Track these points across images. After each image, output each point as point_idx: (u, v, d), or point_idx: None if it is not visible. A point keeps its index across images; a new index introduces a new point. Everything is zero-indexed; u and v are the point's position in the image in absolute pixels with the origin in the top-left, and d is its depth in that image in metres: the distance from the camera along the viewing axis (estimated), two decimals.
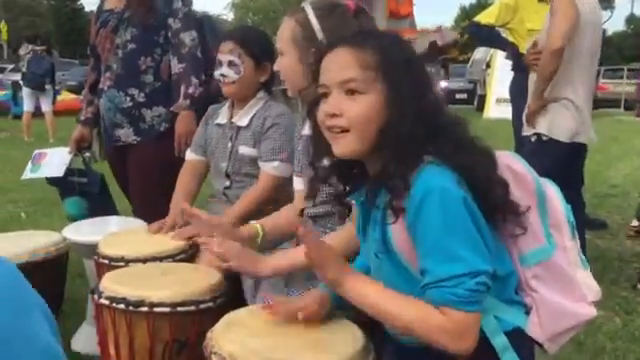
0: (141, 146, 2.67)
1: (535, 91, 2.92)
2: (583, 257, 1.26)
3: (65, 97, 13.48)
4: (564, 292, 1.21)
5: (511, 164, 1.21)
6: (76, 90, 14.44)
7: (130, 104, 2.65)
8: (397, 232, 1.16)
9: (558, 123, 2.92)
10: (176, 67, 2.61)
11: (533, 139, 2.96)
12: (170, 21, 2.62)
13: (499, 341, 1.15)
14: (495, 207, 1.15)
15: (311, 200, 1.74)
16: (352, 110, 1.16)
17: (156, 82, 2.65)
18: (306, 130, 1.80)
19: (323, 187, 1.69)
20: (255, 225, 1.80)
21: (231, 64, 2.18)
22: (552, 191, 1.25)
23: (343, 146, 1.18)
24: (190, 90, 2.58)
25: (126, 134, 2.68)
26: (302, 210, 1.80)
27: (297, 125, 1.90)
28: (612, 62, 21.97)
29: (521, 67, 3.42)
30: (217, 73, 2.21)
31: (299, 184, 1.85)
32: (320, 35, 1.64)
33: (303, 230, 1.22)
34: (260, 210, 2.16)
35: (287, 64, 1.69)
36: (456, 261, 1.07)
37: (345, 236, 1.57)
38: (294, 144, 2.06)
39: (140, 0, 2.60)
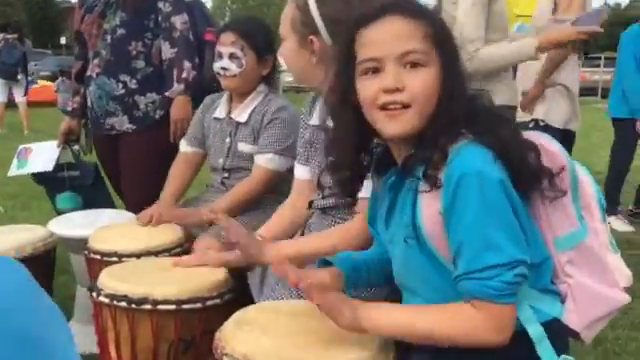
0: (135, 135, 2.57)
1: (541, 76, 2.89)
2: (613, 241, 1.21)
3: (43, 85, 13.22)
4: (598, 277, 1.16)
5: (545, 144, 1.16)
6: (49, 80, 14.16)
7: (122, 91, 2.54)
8: (428, 215, 1.09)
9: (554, 109, 2.91)
10: (168, 52, 2.52)
11: (531, 125, 2.94)
12: (160, 4, 2.52)
13: (535, 330, 1.10)
14: (531, 174, 1.09)
15: (320, 192, 1.67)
16: (415, 84, 1.08)
17: (148, 68, 2.55)
18: (314, 120, 1.72)
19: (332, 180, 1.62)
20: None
21: (233, 57, 2.09)
22: (583, 173, 1.20)
23: (404, 123, 1.10)
24: (184, 74, 2.49)
25: (120, 122, 2.57)
26: (310, 202, 1.72)
27: (303, 114, 1.82)
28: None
29: None
30: (217, 66, 2.12)
31: (305, 173, 1.78)
32: (319, 22, 1.56)
33: (305, 284, 1.15)
34: (259, 201, 2.09)
35: (288, 50, 1.62)
36: (493, 250, 1.01)
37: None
38: (295, 137, 2.00)
39: None
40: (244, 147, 2.14)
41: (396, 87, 1.09)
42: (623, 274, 1.19)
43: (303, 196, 1.78)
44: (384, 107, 1.11)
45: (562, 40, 2.15)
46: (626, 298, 1.17)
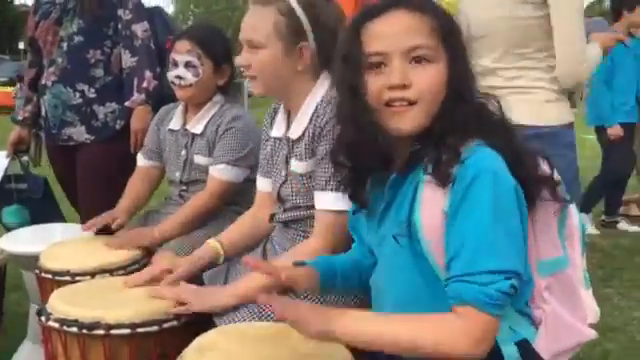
0: (94, 146, 2.48)
1: None
2: (587, 275, 1.22)
3: (2, 91, 12.88)
4: (571, 309, 1.15)
5: (541, 165, 1.14)
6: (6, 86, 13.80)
7: (80, 100, 2.45)
8: (428, 217, 1.05)
9: None
10: (129, 60, 2.44)
11: None
12: (120, 12, 2.45)
13: (509, 350, 1.07)
14: (536, 184, 1.08)
15: (281, 205, 1.63)
16: (422, 80, 1.05)
17: (107, 76, 2.47)
18: (275, 132, 1.68)
19: (294, 192, 1.58)
20: (214, 245, 1.69)
21: (189, 65, 2.02)
22: (571, 205, 1.20)
23: (410, 120, 1.07)
24: (145, 84, 2.42)
25: (78, 132, 2.48)
26: (272, 215, 1.68)
27: (264, 126, 1.77)
28: None
29: None
30: (171, 75, 2.04)
31: (265, 185, 1.73)
32: (307, 27, 1.52)
33: (265, 298, 1.09)
34: (218, 213, 2.03)
35: (268, 59, 1.52)
36: (496, 254, 0.98)
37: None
38: (253, 147, 1.97)
39: None
40: (200, 159, 2.07)
41: (402, 83, 1.05)
42: (592, 310, 1.20)
43: (264, 208, 1.74)
44: (389, 104, 1.07)
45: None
46: (593, 334, 1.17)
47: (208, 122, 2.07)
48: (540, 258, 1.13)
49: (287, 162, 1.62)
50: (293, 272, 1.25)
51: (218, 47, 2.07)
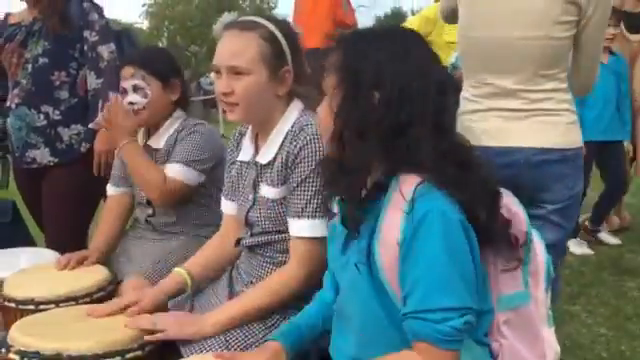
0: (58, 168, 2.45)
1: None
2: (550, 313, 1.23)
3: None
4: (529, 345, 1.16)
5: (508, 204, 1.16)
6: None
7: (44, 122, 2.43)
8: (385, 247, 1.08)
9: None
10: (94, 82, 2.43)
11: None
12: (86, 34, 2.44)
13: None
14: (493, 237, 1.09)
15: (248, 229, 1.63)
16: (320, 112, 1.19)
17: (72, 98, 2.46)
18: (242, 156, 1.68)
19: (262, 216, 1.59)
20: (181, 273, 1.68)
21: (136, 88, 2.03)
22: (537, 239, 1.22)
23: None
24: None
25: (42, 155, 2.45)
26: (238, 240, 1.68)
27: (230, 149, 1.77)
28: None
29: None
30: (125, 102, 2.04)
31: (229, 208, 1.74)
32: (287, 51, 1.54)
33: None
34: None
35: (253, 85, 1.51)
36: (448, 292, 1.01)
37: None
38: (211, 155, 2.00)
39: (53, 8, 2.40)
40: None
41: None
42: (552, 349, 1.20)
43: (230, 232, 1.75)
44: None
45: None
46: None
47: (170, 136, 2.07)
48: (500, 292, 1.15)
49: (255, 186, 1.62)
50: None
51: (160, 64, 2.08)
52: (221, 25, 1.58)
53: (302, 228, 1.49)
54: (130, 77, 2.03)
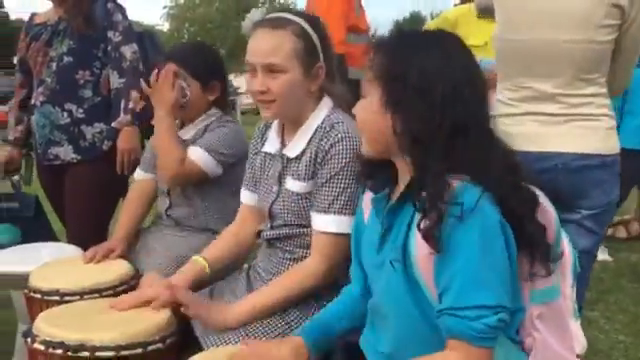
0: (81, 165, 2.50)
1: None
2: (576, 307, 1.24)
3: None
4: (560, 338, 1.18)
5: (543, 202, 1.17)
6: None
7: (68, 120, 2.48)
8: (421, 246, 1.09)
9: None
10: (116, 81, 2.47)
11: None
12: (110, 34, 2.48)
13: None
14: (529, 244, 1.10)
15: (270, 222, 1.65)
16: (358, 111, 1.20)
17: (95, 97, 2.50)
18: (267, 147, 1.70)
19: (285, 209, 1.61)
20: (199, 261, 1.71)
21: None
22: (564, 237, 1.23)
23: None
24: (131, 105, 2.45)
25: (65, 152, 2.50)
26: (259, 232, 1.70)
27: (254, 140, 1.79)
28: None
29: None
30: None
31: (249, 199, 1.77)
32: (319, 47, 1.55)
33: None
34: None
35: (290, 83, 1.52)
36: (484, 290, 1.02)
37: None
38: (235, 152, 2.01)
39: (79, 8, 2.45)
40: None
41: None
42: (580, 342, 1.22)
43: (247, 222, 1.77)
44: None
45: None
46: None
47: (199, 129, 2.09)
48: (534, 288, 1.16)
49: (280, 179, 1.63)
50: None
51: (202, 66, 2.09)
52: (250, 22, 1.60)
53: (328, 223, 1.51)
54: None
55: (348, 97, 1.57)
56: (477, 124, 1.12)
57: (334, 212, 1.50)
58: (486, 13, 1.91)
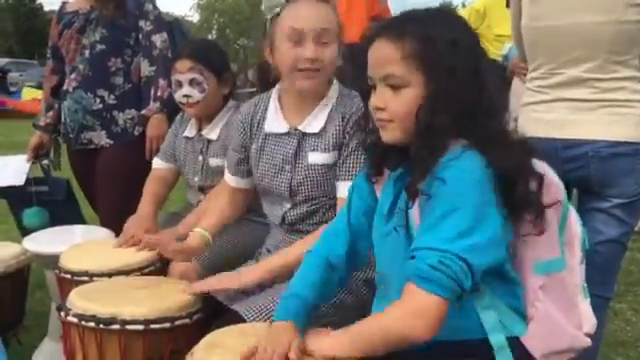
0: (113, 150, 2.57)
1: None
2: (586, 286, 1.24)
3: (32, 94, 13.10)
4: (565, 313, 1.18)
5: (546, 173, 1.17)
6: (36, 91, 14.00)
7: (100, 106, 2.55)
8: (417, 207, 1.13)
9: None
10: (147, 69, 2.54)
11: None
12: (141, 23, 2.55)
13: (497, 339, 1.12)
14: (520, 199, 1.10)
15: (291, 200, 1.68)
16: (393, 105, 1.14)
17: (126, 84, 2.57)
18: (275, 129, 1.71)
19: (307, 182, 1.64)
20: (202, 234, 1.77)
21: (193, 82, 2.07)
22: (573, 213, 1.23)
23: (388, 134, 1.18)
24: (160, 92, 2.51)
25: (99, 137, 2.58)
26: (283, 217, 1.72)
27: (250, 122, 1.81)
28: None
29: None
30: (179, 95, 2.09)
31: (238, 183, 1.87)
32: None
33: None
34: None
35: (332, 56, 1.59)
36: (436, 231, 1.04)
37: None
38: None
39: None
40: (216, 162, 2.11)
41: (377, 106, 1.17)
42: (589, 320, 1.21)
43: (238, 202, 1.88)
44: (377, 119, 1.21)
45: None
46: (587, 342, 1.20)
47: (224, 126, 2.12)
48: (538, 259, 1.17)
49: (297, 155, 1.65)
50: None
51: (217, 59, 2.12)
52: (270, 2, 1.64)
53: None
54: (187, 71, 2.06)
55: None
56: (483, 98, 1.13)
57: None
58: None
